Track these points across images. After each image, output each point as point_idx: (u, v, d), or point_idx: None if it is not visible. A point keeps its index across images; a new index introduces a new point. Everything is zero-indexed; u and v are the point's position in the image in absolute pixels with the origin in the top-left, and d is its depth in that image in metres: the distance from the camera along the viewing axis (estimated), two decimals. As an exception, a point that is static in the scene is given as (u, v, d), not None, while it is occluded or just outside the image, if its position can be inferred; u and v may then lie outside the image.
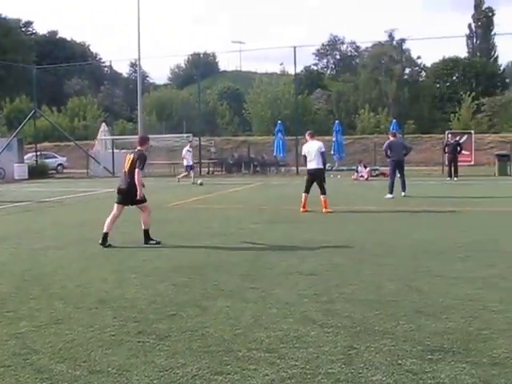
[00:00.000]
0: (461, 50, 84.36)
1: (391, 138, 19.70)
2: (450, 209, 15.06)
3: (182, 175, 27.67)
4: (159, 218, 13.71)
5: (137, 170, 10.12)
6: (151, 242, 10.08)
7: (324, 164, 15.20)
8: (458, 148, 28.19)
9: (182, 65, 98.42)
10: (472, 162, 33.94)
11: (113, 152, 37.58)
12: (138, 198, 10.04)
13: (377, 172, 30.77)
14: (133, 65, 74.54)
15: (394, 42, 71.99)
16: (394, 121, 37.00)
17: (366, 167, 29.08)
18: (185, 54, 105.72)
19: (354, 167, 29.85)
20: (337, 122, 38.24)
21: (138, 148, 10.78)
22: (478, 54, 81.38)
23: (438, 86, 77.21)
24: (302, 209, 14.74)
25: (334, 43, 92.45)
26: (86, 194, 22.33)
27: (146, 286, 6.72)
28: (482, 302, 5.86)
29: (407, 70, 72.93)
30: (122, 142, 39.33)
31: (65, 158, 43.77)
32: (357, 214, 14.47)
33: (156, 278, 7.20)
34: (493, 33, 79.87)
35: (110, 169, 36.35)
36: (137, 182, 10.05)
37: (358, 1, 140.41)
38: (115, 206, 10.38)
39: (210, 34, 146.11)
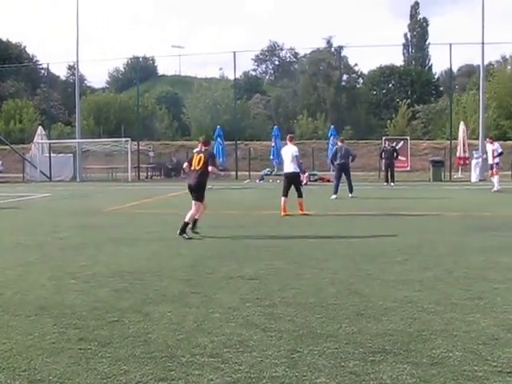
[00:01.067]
0: (397, 59, 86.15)
1: (339, 144, 21.07)
2: (387, 213, 15.34)
3: None
4: (97, 223, 13.59)
5: (210, 167, 11.82)
6: (184, 235, 11.15)
7: (300, 168, 15.55)
8: (395, 154, 28.78)
9: (121, 68, 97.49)
10: (408, 168, 34.65)
11: (50, 156, 36.94)
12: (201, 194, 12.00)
13: (315, 177, 31.08)
14: (71, 67, 73.37)
15: (333, 49, 72.92)
16: (332, 126, 37.51)
17: (304, 172, 29.27)
18: (124, 58, 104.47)
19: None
20: (276, 127, 38.45)
21: (205, 148, 12.33)
22: (414, 62, 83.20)
23: (374, 92, 78.59)
24: (282, 212, 14.91)
25: (272, 49, 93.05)
26: (23, 198, 21.85)
27: (86, 292, 6.62)
28: (420, 303, 5.97)
29: (345, 77, 73.85)
30: (59, 146, 38.74)
31: (0, 162, 42.81)
32: (295, 218, 14.54)
33: (96, 283, 7.10)
34: (427, 42, 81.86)
35: (47, 173, 35.73)
36: (213, 172, 12.14)
37: (297, 7, 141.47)
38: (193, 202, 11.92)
39: (150, 38, 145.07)
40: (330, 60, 73.89)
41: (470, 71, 76.37)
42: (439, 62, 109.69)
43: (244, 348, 4.67)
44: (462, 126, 35.39)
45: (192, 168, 11.96)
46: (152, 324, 5.34)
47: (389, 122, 61.90)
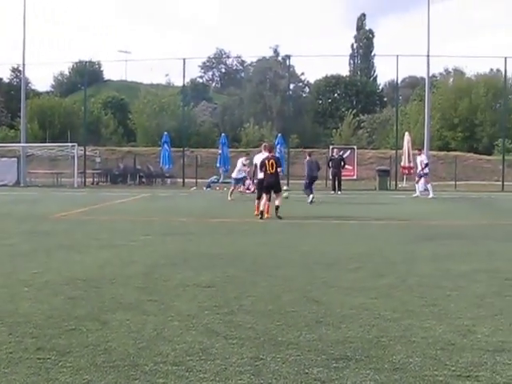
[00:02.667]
0: (343, 69, 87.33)
1: (309, 158, 23.98)
2: (337, 221, 15.52)
3: (233, 190, 25.00)
4: (45, 229, 13.38)
5: (279, 168, 16.05)
6: (280, 216, 15.49)
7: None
8: (342, 163, 29.10)
9: (66, 72, 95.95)
10: (354, 177, 35.07)
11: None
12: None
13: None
14: (14, 70, 71.94)
15: (280, 58, 73.40)
16: (279, 135, 37.72)
17: (253, 180, 29.35)
18: (69, 62, 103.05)
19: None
20: (223, 134, 38.49)
21: (271, 154, 16.34)
22: (359, 72, 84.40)
23: (320, 101, 79.35)
24: (256, 212, 16.11)
25: (219, 56, 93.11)
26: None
27: (41, 300, 6.48)
28: (376, 311, 6.05)
29: (291, 86, 74.39)
30: (2, 150, 37.96)
31: None
32: (247, 225, 14.59)
33: (50, 291, 6.97)
34: (373, 53, 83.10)
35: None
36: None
37: (244, 15, 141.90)
38: (264, 194, 15.90)
39: (96, 42, 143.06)
40: (276, 69, 74.36)
41: (413, 83, 77.75)
42: (384, 73, 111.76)
43: (207, 356, 4.65)
44: (406, 136, 36.05)
45: (267, 171, 15.75)
46: (111, 332, 5.27)
47: (334, 131, 62.63)
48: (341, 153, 31.80)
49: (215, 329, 5.39)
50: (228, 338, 5.09)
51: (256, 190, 17.43)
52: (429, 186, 26.68)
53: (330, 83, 79.84)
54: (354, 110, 68.00)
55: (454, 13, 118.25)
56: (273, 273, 8.21)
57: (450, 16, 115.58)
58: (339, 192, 27.84)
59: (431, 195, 25.94)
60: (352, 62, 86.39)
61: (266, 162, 15.76)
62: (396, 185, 33.81)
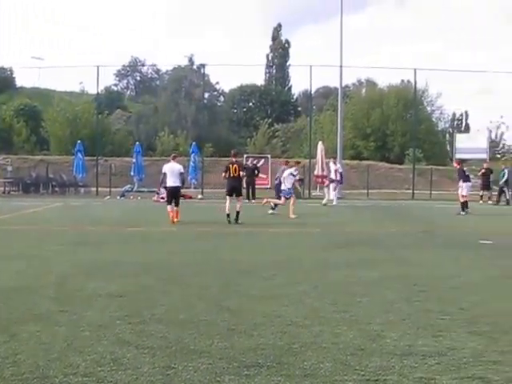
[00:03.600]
0: (259, 78, 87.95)
1: (283, 166, 23.62)
2: (252, 229, 15.61)
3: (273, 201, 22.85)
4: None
5: (242, 173, 17.49)
6: (239, 222, 16.64)
7: (182, 183, 17.94)
8: (256, 171, 29.33)
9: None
10: (268, 186, 35.25)
11: None
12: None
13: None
14: None
15: (195, 67, 73.29)
16: (194, 143, 37.68)
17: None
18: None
19: (155, 189, 29.79)
20: (137, 143, 38.10)
21: (237, 159, 17.99)
22: (274, 82, 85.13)
23: (235, 110, 79.66)
24: (174, 219, 16.89)
25: (134, 64, 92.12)
26: None
27: None
28: (289, 317, 6.11)
29: (206, 95, 74.38)
30: None
31: None
32: (162, 234, 14.51)
33: (-45, 303, 6.73)
34: (288, 63, 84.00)
35: None
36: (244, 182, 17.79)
37: (159, 23, 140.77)
38: (228, 197, 17.34)
39: (8, 48, 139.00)
40: (191, 77, 74.21)
41: (327, 92, 79.04)
42: (299, 83, 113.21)
43: (118, 366, 4.59)
44: (320, 145, 36.61)
45: (231, 175, 17.06)
46: (20, 344, 5.12)
47: (249, 140, 63.01)
48: (255, 162, 32.08)
49: (127, 338, 5.33)
50: (139, 348, 5.04)
51: (166, 197, 18.10)
52: (334, 193, 27.61)
53: (245, 92, 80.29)
54: (269, 119, 68.64)
55: (367, 24, 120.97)
56: (187, 281, 8.19)
57: (363, 27, 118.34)
58: (253, 201, 28.02)
59: (335, 202, 26.99)
60: (267, 71, 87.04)
61: (230, 166, 17.11)
62: (310, 193, 34.25)
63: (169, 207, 17.21)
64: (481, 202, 30.52)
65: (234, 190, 17.34)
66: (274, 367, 4.60)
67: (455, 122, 79.30)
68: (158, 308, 6.54)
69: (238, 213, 16.83)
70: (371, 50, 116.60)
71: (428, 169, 41.92)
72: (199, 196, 32.55)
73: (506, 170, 29.97)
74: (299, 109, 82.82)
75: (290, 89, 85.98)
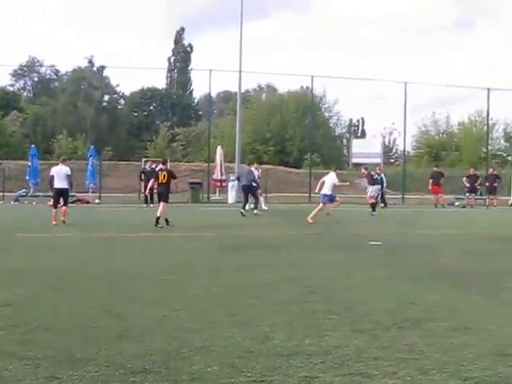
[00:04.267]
0: (160, 81, 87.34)
1: (247, 168, 25.53)
2: (148, 234, 15.49)
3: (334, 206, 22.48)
4: None
5: (172, 180, 18.14)
6: (159, 225, 17.12)
7: (70, 185, 18.99)
8: (155, 175, 29.06)
9: None
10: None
11: None
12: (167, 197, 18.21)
13: (73, 198, 30.38)
14: None
15: (95, 68, 72.08)
16: (92, 147, 37.04)
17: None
18: None
19: (51, 193, 29.05)
20: (33, 146, 37.06)
21: (164, 166, 18.74)
22: (176, 86, 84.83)
23: (136, 114, 78.88)
24: (53, 222, 17.53)
25: (32, 65, 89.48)
26: None
27: None
28: (179, 322, 6.10)
29: (106, 97, 73.29)
30: None
31: None
32: (53, 240, 14.19)
33: None
34: (190, 67, 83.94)
35: None
36: (172, 187, 18.45)
37: (61, 23, 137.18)
38: (161, 203, 17.82)
39: None
40: (91, 79, 72.98)
41: (228, 97, 79.56)
42: (200, 87, 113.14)
43: (-1, 379, 4.45)
44: (219, 150, 36.84)
45: (159, 181, 18.10)
46: None
47: (149, 143, 62.55)
48: (153, 166, 31.86)
49: (10, 350, 5.15)
50: (23, 359, 4.88)
51: (53, 200, 19.01)
52: (261, 198, 27.34)
53: (146, 95, 79.70)
54: (170, 123, 68.39)
55: (270, 31, 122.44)
56: (77, 288, 8.03)
57: (266, 34, 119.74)
58: (151, 205, 27.84)
59: (263, 207, 26.84)
60: (169, 75, 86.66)
61: (159, 173, 18.18)
62: (208, 197, 34.30)
63: (53, 211, 17.98)
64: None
65: (160, 196, 18.26)
66: (161, 373, 4.57)
67: (352, 128, 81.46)
68: (45, 316, 6.37)
69: (158, 218, 17.36)
70: (272, 56, 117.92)
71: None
72: (96, 200, 32.00)
73: (382, 175, 31.17)
74: (200, 113, 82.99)
75: (191, 93, 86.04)
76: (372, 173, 27.48)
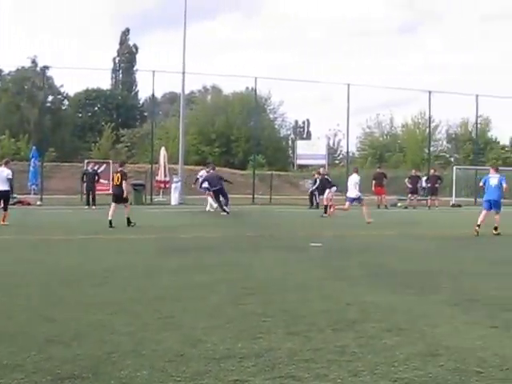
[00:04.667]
0: (105, 82, 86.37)
1: (211, 171, 26.38)
2: (87, 236, 15.28)
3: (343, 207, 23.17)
4: None
5: (124, 182, 18.27)
6: (131, 224, 18.00)
7: (11, 188, 19.24)
8: (96, 177, 28.95)
9: None
10: (110, 191, 34.69)
11: None
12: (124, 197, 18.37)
13: (14, 200, 29.79)
14: None
15: (38, 69, 70.75)
16: (34, 148, 36.40)
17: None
18: None
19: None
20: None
21: (120, 169, 18.85)
22: (121, 86, 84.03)
23: (80, 115, 77.84)
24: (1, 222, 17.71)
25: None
26: None
27: None
28: (112, 326, 6.01)
29: (50, 98, 72.04)
30: None
31: None
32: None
33: None
34: (135, 68, 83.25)
35: None
36: (125, 189, 18.39)
37: (2, 23, 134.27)
38: (113, 204, 18.24)
39: None
40: (34, 80, 71.62)
41: (173, 98, 79.11)
42: (145, 88, 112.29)
43: None
44: (162, 151, 36.66)
45: (114, 183, 18.75)
46: None
47: (93, 144, 61.82)
48: (95, 167, 31.58)
49: None
50: None
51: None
52: (210, 199, 27.64)
53: (91, 96, 78.69)
54: (114, 124, 67.69)
55: (216, 33, 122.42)
56: (10, 292, 7.83)
57: (212, 36, 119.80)
58: (93, 207, 27.58)
59: (208, 208, 27.28)
60: (114, 75, 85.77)
61: (114, 175, 18.90)
62: (151, 199, 34.04)
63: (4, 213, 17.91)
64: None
65: (116, 197, 18.53)
66: (89, 378, 4.49)
67: (298, 130, 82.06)
68: (-26, 322, 6.22)
69: (128, 218, 18.06)
70: (219, 58, 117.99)
71: (269, 174, 43.06)
72: (38, 202, 31.44)
73: (316, 177, 31.67)
74: (145, 114, 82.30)
75: (136, 94, 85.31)
76: (326, 176, 27.91)
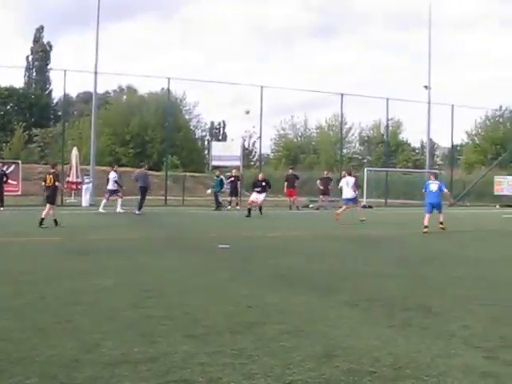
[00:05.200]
0: (18, 81, 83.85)
1: (144, 171, 28.33)
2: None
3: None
4: None
5: (57, 183, 19.32)
6: (43, 226, 17.79)
7: None
8: (5, 178, 28.21)
9: None
10: (19, 192, 33.90)
11: None
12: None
13: None
14: None
15: None
16: None
17: None
18: None
19: None
20: None
21: (53, 170, 19.52)
22: (34, 85, 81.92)
23: (-9, 114, 75.62)
24: None
25: None
26: None
27: None
28: (6, 332, 5.83)
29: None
30: None
31: None
32: None
33: None
34: (49, 67, 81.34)
35: None
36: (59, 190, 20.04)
37: None
38: (48, 205, 18.67)
39: None
40: None
41: (87, 98, 77.55)
42: (59, 87, 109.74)
43: None
44: (74, 151, 36.02)
45: (45, 184, 18.99)
46: None
47: (5, 144, 60.22)
48: (4, 168, 30.72)
49: None
50: None
51: None
52: (104, 201, 27.89)
53: (3, 95, 76.36)
54: (26, 123, 65.99)
55: (134, 33, 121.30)
56: None
57: (129, 36, 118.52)
58: (1, 208, 26.87)
59: (100, 210, 27.16)
60: (27, 74, 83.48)
61: (47, 176, 19.09)
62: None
63: None
64: (229, 207, 32.28)
65: (47, 198, 19.01)
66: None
67: (213, 131, 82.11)
68: None
69: (42, 219, 18.12)
70: (136, 58, 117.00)
71: (183, 175, 43.00)
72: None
73: (222, 177, 32.54)
74: (59, 113, 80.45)
75: (50, 93, 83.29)
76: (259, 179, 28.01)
